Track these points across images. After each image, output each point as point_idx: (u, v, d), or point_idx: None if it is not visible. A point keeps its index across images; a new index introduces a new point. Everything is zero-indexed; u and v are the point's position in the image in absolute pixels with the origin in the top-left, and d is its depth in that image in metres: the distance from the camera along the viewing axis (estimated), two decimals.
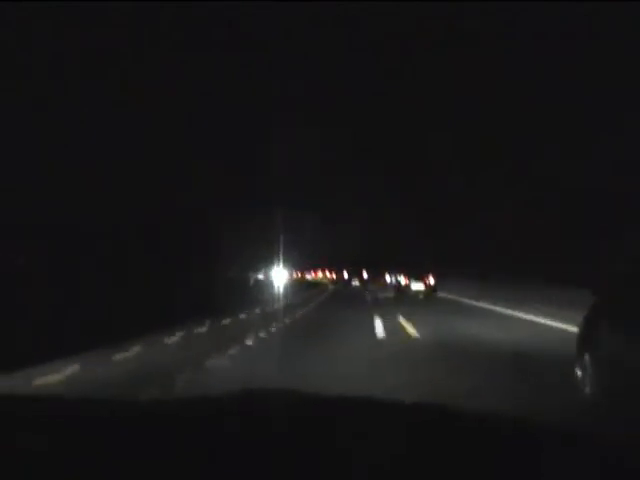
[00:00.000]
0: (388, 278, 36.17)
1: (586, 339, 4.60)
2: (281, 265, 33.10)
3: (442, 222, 43.34)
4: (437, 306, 19.04)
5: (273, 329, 10.00)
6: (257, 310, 15.17)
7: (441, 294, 24.44)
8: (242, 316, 13.15)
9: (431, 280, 23.43)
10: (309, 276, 62.55)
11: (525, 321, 12.76)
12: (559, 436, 1.19)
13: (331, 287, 43.12)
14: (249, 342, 8.01)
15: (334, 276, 61.22)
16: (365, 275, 48.38)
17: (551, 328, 10.92)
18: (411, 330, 10.43)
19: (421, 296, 22.77)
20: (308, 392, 1.56)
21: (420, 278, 23.42)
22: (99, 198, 22.36)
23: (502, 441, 1.17)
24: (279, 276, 33.19)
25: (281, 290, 26.75)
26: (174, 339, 8.33)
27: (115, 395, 4.43)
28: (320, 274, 65.46)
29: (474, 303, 19.23)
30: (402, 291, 24.31)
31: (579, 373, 4.58)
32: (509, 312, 14.99)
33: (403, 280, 24.32)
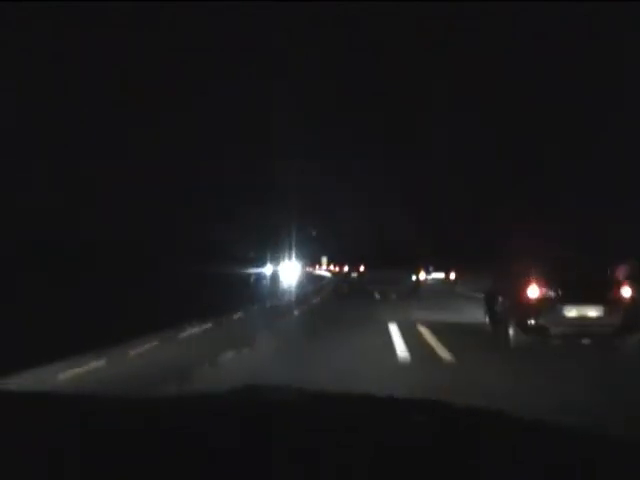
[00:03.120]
0: (423, 276, 26.28)
1: None
2: (293, 260, 33.66)
3: (443, 221, 43.40)
4: None
5: None
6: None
7: None
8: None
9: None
10: (310, 269, 65.46)
11: None
12: (547, 432, 1.20)
13: (332, 277, 47.72)
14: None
15: (336, 269, 64.33)
16: (362, 269, 51.53)
17: None
18: None
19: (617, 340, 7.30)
20: (309, 388, 1.56)
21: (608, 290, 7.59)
22: (99, 197, 22.42)
23: (496, 436, 1.17)
24: (290, 270, 33.70)
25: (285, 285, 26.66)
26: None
27: (134, 391, 4.48)
28: (324, 268, 68.60)
29: None
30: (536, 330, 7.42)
31: None
32: None
33: (534, 290, 7.52)
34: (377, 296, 21.46)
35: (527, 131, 34.33)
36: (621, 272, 8.80)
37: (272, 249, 33.45)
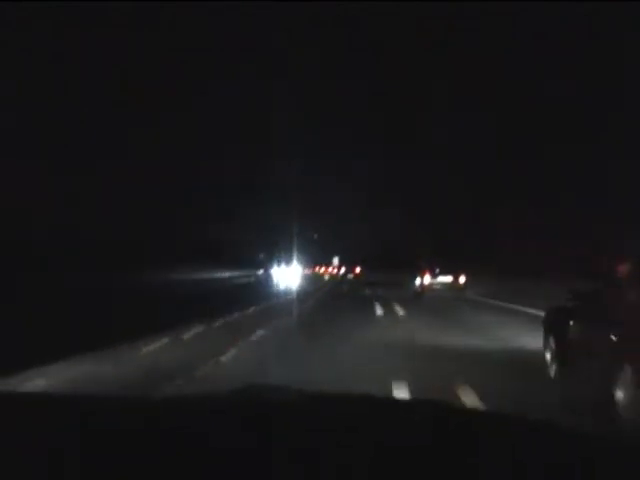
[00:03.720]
0: (428, 279, 22.23)
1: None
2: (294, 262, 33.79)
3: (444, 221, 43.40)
4: None
5: None
6: None
7: None
8: None
9: None
10: (309, 271, 65.47)
11: None
12: (544, 432, 1.20)
13: (327, 278, 49.41)
14: None
15: (334, 271, 64.38)
16: (358, 270, 51.79)
17: None
18: None
19: None
20: (308, 389, 1.56)
21: None
22: (99, 197, 22.44)
23: (496, 436, 1.17)
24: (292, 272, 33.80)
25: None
26: None
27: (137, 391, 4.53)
28: (322, 269, 68.84)
29: None
30: None
31: None
32: None
33: None
34: (368, 292, 21.10)
35: (527, 131, 34.30)
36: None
37: (272, 250, 33.51)
